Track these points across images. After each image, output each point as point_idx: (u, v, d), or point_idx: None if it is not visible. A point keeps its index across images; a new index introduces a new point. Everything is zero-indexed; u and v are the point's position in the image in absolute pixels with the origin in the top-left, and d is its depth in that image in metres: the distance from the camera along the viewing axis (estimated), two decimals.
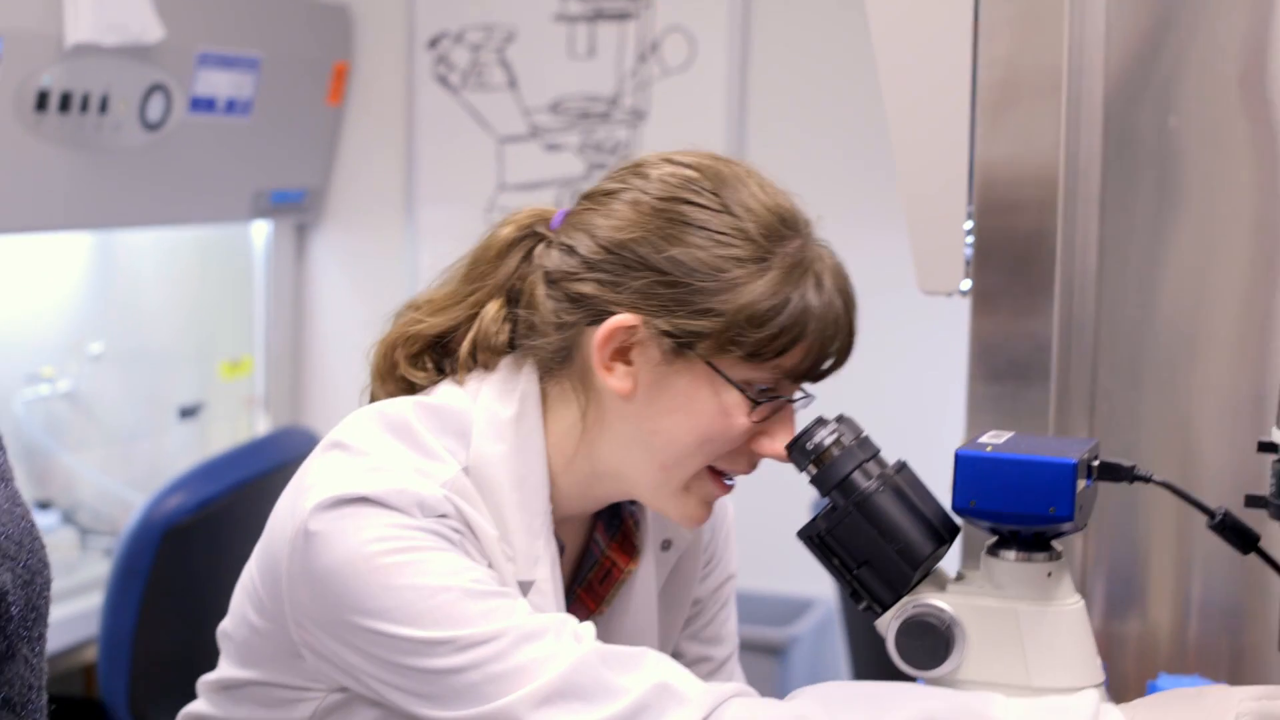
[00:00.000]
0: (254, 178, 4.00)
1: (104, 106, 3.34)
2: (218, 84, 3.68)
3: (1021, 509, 1.54)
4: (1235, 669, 2.01)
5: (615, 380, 1.70)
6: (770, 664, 3.69)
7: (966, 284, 2.09)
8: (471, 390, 1.76)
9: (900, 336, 3.59)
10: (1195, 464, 2.02)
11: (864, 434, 1.67)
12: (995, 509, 1.55)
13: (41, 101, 3.16)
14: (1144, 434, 2.03)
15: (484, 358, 1.78)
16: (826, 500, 1.66)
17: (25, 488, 3.66)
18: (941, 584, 1.63)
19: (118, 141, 3.42)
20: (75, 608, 3.48)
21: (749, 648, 3.73)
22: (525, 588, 1.70)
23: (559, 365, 1.75)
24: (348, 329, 4.35)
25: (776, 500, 3.86)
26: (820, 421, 1.66)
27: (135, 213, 3.68)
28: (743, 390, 1.68)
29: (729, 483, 1.76)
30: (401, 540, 1.61)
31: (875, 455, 1.65)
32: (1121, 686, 1.95)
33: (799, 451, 1.65)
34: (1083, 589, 2.02)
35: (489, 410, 1.74)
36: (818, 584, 3.87)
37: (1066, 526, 1.55)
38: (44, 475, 3.83)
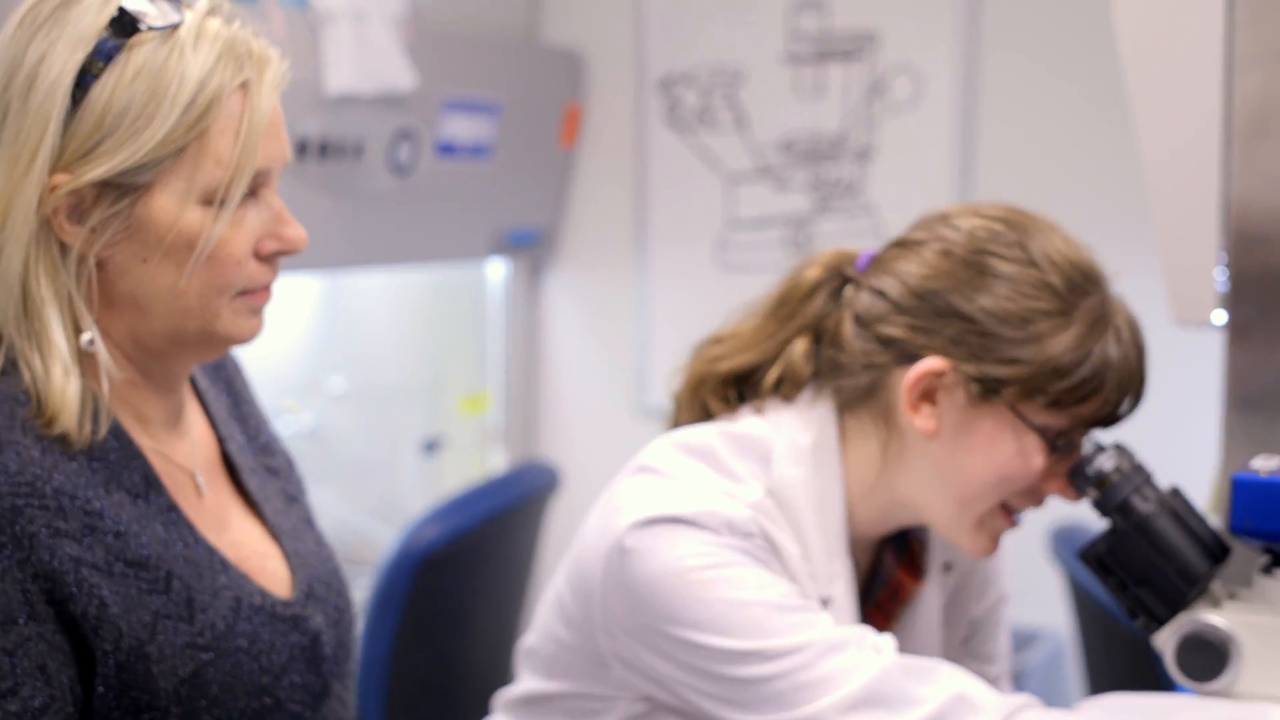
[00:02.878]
0: (493, 218, 4.13)
1: (358, 153, 3.48)
2: (461, 129, 3.82)
3: None
4: None
5: (921, 420, 1.81)
6: None
7: (1220, 316, 2.13)
8: (772, 420, 1.86)
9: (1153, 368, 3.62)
10: None
11: (1139, 460, 1.73)
12: (1271, 530, 1.61)
13: (302, 149, 3.32)
14: None
15: (786, 390, 1.88)
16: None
17: None
18: (1216, 601, 1.69)
19: (370, 186, 3.56)
20: None
21: None
22: (824, 604, 1.80)
23: (861, 401, 1.85)
24: (580, 365, 4.46)
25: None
26: (1100, 448, 1.74)
27: (384, 253, 3.81)
28: (1042, 434, 1.76)
29: (1016, 518, 1.86)
30: (713, 557, 1.73)
31: (1149, 480, 1.72)
32: None
33: (1081, 477, 1.73)
34: None
35: (789, 437, 1.84)
36: (1045, 615, 3.89)
37: None
38: None
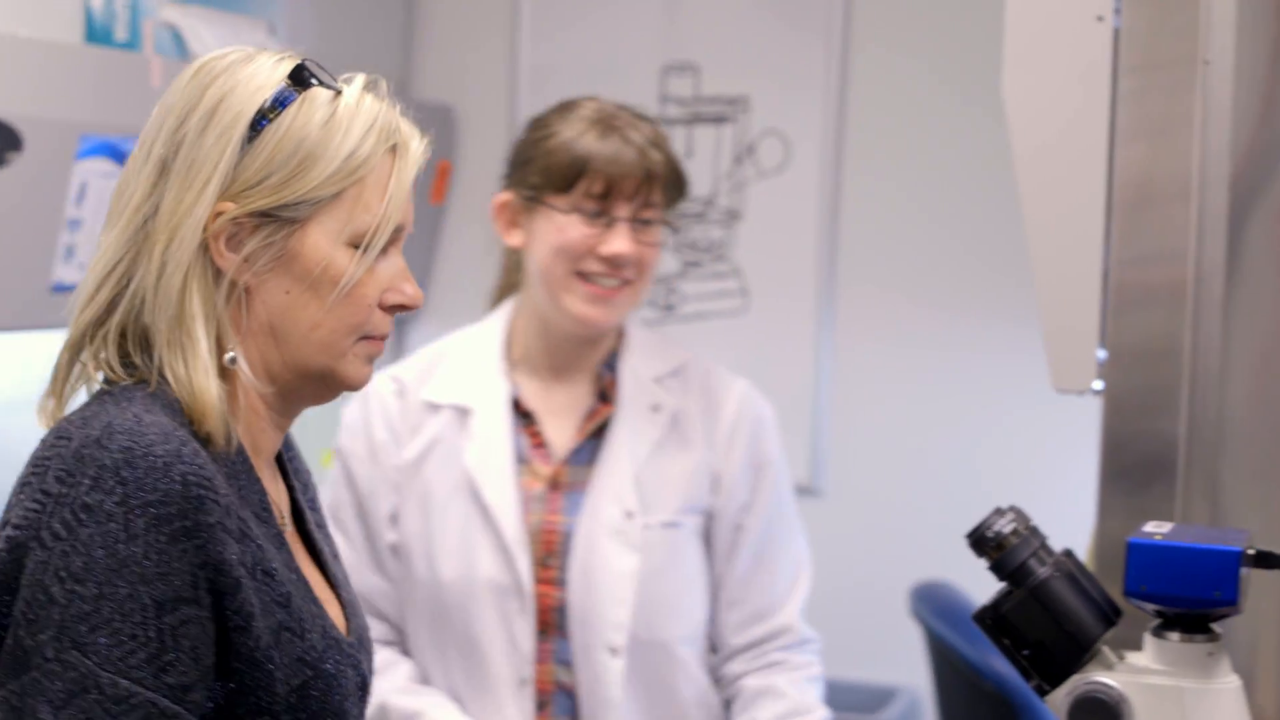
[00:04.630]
0: None
1: None
2: None
3: (1190, 593, 1.65)
4: None
5: (514, 239, 2.54)
6: None
7: (1098, 384, 2.19)
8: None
9: (1031, 434, 3.72)
10: None
11: (1033, 523, 1.77)
12: (1165, 593, 1.66)
13: None
14: (1265, 527, 2.12)
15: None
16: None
17: None
18: (1108, 663, 1.73)
19: None
20: None
21: None
22: (462, 412, 2.56)
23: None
24: None
25: (862, 590, 3.96)
26: (998, 512, 1.77)
27: None
28: (567, 212, 2.46)
29: (604, 288, 2.48)
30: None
31: (1045, 543, 1.76)
32: None
33: (979, 540, 1.76)
34: None
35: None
36: (903, 672, 3.95)
37: (1229, 610, 1.66)
38: None
